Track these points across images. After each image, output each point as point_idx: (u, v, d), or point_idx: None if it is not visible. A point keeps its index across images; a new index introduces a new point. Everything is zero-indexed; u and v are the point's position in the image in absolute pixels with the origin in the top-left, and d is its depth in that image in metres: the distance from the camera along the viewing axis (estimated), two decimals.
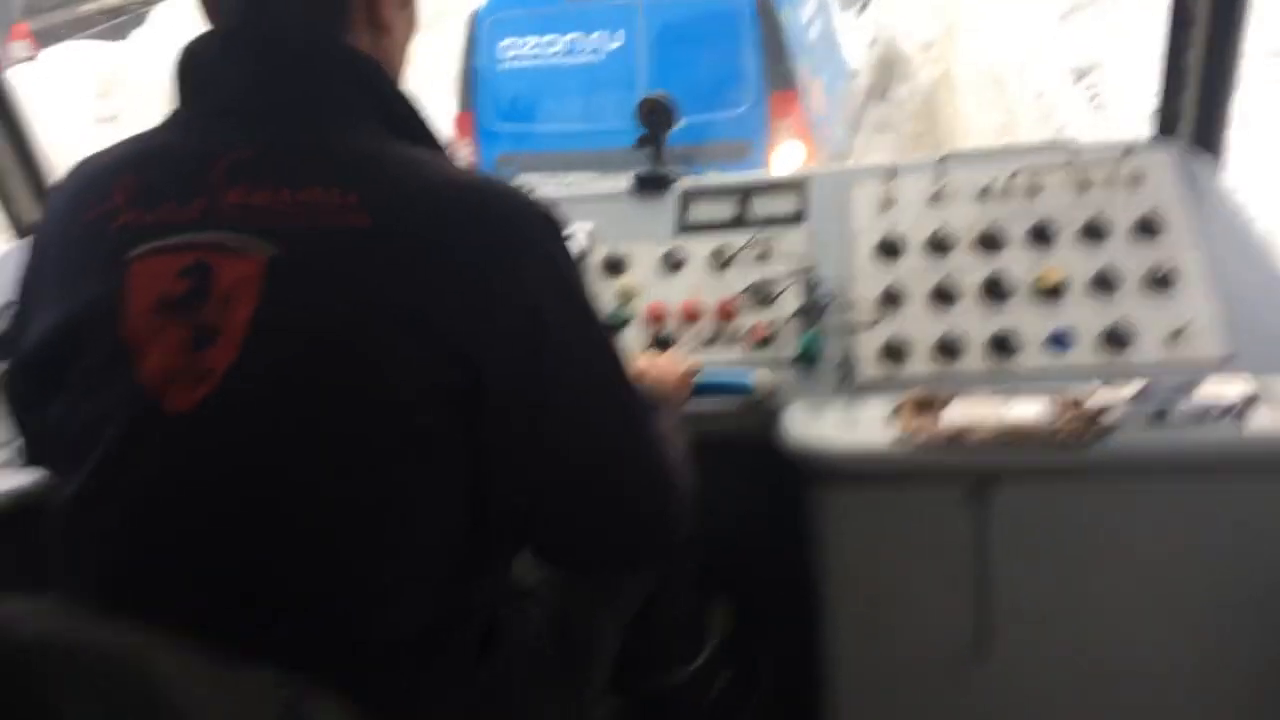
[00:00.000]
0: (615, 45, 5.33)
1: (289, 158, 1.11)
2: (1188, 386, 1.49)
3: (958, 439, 1.50)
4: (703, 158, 4.80)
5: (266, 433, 1.06)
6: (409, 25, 1.28)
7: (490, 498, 1.14)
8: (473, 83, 5.51)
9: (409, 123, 1.19)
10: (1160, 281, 1.69)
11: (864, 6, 7.29)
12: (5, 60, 9.29)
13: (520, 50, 5.44)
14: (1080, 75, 7.65)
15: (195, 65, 1.18)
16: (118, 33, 11.26)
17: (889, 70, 7.91)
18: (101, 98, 9.64)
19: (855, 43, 6.75)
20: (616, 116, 5.35)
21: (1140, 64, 6.97)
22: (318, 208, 1.07)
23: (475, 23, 5.48)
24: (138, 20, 11.42)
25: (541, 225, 1.15)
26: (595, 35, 5.34)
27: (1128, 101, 6.86)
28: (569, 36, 5.38)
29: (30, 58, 10.08)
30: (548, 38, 5.40)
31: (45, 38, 10.72)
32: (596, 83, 5.40)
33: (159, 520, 1.08)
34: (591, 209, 2.07)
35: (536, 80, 5.47)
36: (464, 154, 5.43)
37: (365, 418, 1.06)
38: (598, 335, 1.18)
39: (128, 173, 1.15)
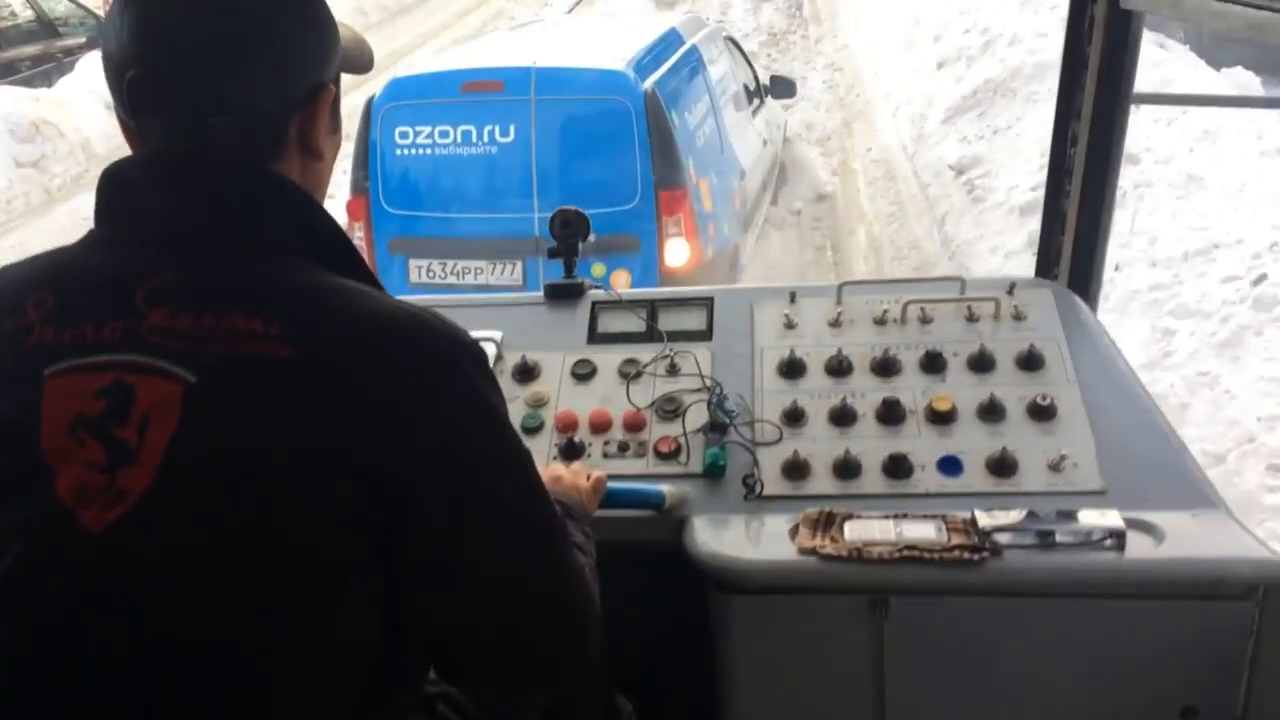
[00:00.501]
0: (508, 139, 5.42)
1: (213, 285, 1.10)
2: (1070, 514, 1.59)
3: (858, 554, 1.58)
4: (593, 251, 4.90)
5: (177, 561, 1.02)
6: (337, 148, 1.29)
7: (408, 622, 1.13)
8: (367, 168, 5.54)
9: (336, 253, 1.19)
10: (1041, 413, 1.81)
11: (757, 109, 7.56)
12: None
13: (415, 139, 5.49)
14: (960, 171, 8.12)
15: (119, 186, 1.16)
16: (44, 79, 11.13)
17: (782, 167, 8.23)
18: (25, 143, 9.58)
19: (749, 142, 6.98)
20: (508, 208, 5.44)
21: (1012, 162, 7.50)
22: (240, 336, 1.06)
23: (371, 110, 5.52)
24: (64, 68, 11.33)
25: (465, 357, 1.15)
26: (488, 128, 5.43)
27: (1001, 194, 7.35)
28: (463, 128, 5.45)
29: None
30: (441, 128, 5.47)
31: None
32: (489, 174, 5.48)
33: (60, 642, 1.02)
34: (503, 315, 2.12)
35: (430, 169, 5.52)
36: (356, 238, 5.43)
37: (279, 550, 1.04)
38: (518, 462, 1.18)
39: (43, 289, 1.12)
